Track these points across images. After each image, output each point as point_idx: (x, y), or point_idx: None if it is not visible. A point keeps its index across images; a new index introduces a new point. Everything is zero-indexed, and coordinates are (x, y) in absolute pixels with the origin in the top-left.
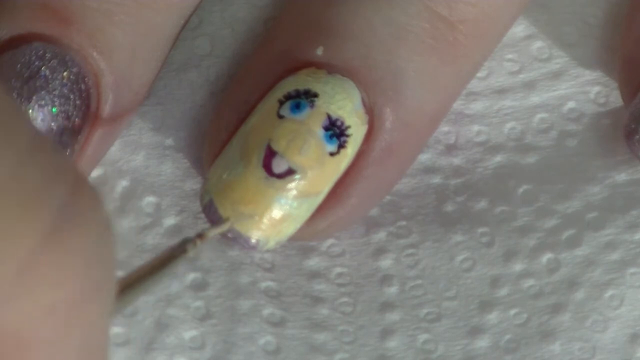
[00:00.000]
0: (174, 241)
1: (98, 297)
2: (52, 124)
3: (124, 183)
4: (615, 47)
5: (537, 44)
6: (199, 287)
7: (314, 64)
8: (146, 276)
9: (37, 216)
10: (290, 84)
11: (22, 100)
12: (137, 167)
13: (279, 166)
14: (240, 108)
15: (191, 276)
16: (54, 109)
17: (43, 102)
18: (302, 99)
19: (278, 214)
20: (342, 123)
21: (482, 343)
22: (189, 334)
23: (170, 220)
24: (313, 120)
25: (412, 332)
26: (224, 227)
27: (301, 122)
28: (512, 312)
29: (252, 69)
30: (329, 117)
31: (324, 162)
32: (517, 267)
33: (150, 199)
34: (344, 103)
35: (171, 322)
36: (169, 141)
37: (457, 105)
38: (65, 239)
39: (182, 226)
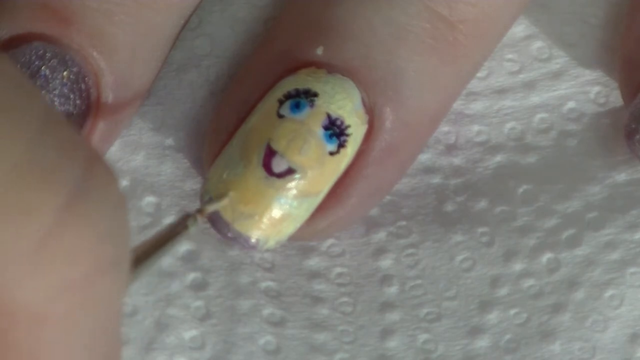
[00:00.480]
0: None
1: (112, 272)
2: None
3: (123, 183)
4: (616, 47)
5: (537, 44)
6: (199, 287)
7: (314, 64)
8: (147, 254)
9: (53, 192)
10: (290, 84)
11: None
12: (137, 167)
13: (278, 166)
14: (240, 108)
15: (191, 276)
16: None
17: None
18: (302, 98)
19: (278, 213)
20: (342, 122)
21: (482, 343)
22: (189, 333)
23: (170, 220)
24: (313, 120)
25: (412, 332)
26: (222, 203)
27: (301, 122)
28: (512, 312)
29: (252, 68)
30: (328, 116)
31: (324, 161)
32: (517, 267)
33: (150, 199)
34: (344, 103)
35: (171, 322)
36: (169, 141)
37: (457, 105)
38: (80, 215)
39: None
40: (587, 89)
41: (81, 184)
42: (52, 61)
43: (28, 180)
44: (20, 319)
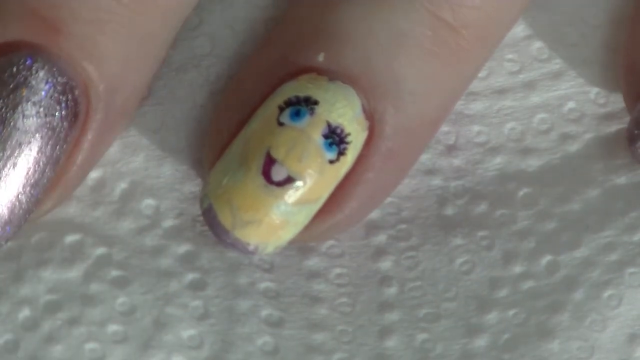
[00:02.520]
0: (173, 243)
1: None
2: (38, 134)
3: (122, 185)
4: (615, 47)
5: (537, 44)
6: (197, 287)
7: (315, 70)
8: None
9: None
10: (291, 90)
11: (8, 109)
12: (137, 168)
13: (278, 174)
14: (241, 110)
15: (190, 276)
16: (39, 119)
17: (28, 112)
18: (302, 106)
19: (277, 220)
20: (342, 131)
21: (481, 342)
22: (187, 332)
23: (168, 223)
24: (313, 128)
25: (410, 331)
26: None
27: (301, 130)
28: (511, 312)
29: (252, 71)
30: (328, 125)
31: (323, 170)
32: (517, 269)
33: (149, 202)
34: (345, 111)
35: (169, 321)
36: (169, 142)
37: (457, 105)
38: None
39: (180, 229)
40: (587, 89)
41: None
42: (39, 71)
43: None
44: None
